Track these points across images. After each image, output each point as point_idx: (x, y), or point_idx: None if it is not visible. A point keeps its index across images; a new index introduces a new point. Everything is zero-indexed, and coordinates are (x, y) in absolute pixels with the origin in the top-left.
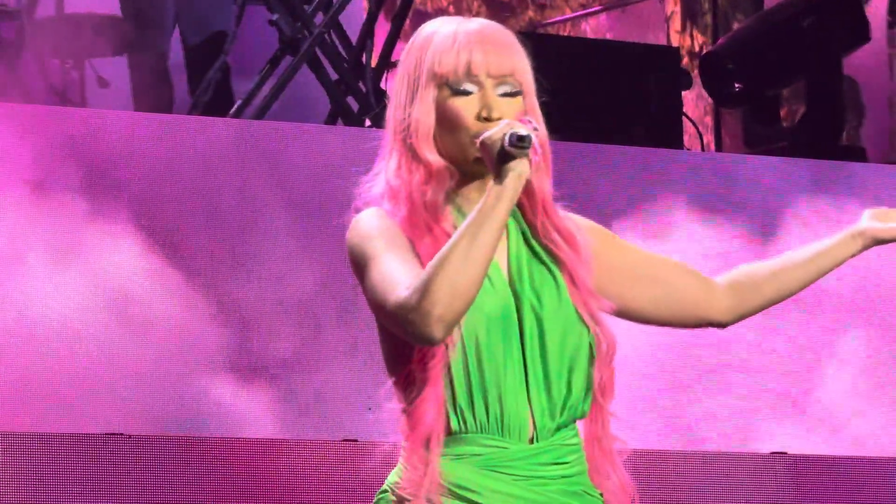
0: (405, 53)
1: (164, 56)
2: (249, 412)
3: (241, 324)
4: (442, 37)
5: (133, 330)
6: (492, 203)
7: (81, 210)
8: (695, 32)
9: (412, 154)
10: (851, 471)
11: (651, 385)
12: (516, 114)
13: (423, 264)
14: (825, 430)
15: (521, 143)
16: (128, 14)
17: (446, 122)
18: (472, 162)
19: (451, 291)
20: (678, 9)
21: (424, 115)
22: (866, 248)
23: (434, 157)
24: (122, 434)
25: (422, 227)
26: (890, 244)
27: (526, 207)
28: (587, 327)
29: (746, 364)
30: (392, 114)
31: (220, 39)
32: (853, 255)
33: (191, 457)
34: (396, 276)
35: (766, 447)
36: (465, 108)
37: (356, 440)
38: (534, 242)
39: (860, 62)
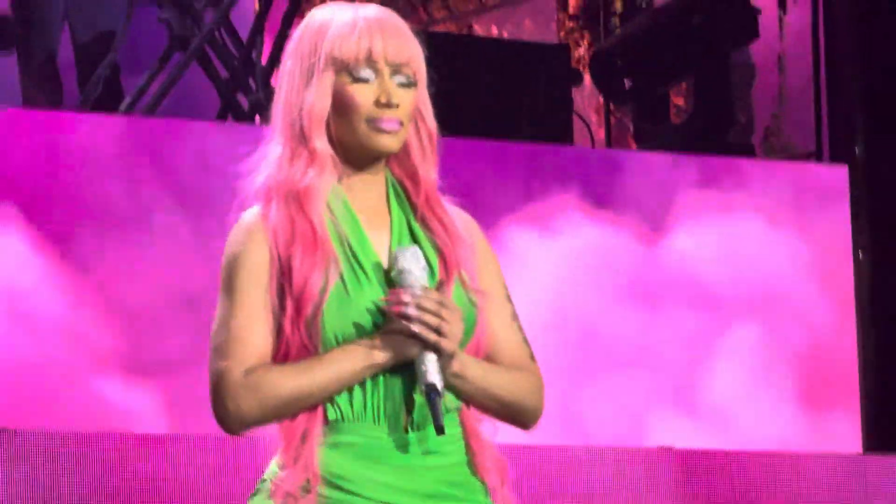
0: (297, 39)
1: (53, 54)
2: (138, 408)
3: (129, 321)
4: (341, 23)
5: (21, 325)
6: (360, 369)
7: None
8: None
9: (300, 139)
10: (739, 464)
11: None
12: (410, 108)
13: (286, 267)
14: (713, 425)
15: (432, 395)
16: (16, 11)
17: (343, 107)
18: (362, 148)
19: (269, 415)
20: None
21: (320, 100)
22: None
23: (322, 144)
24: (5, 429)
25: (290, 218)
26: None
27: (411, 194)
28: (462, 317)
29: (635, 360)
30: (283, 99)
31: (110, 37)
32: None
33: (78, 452)
34: (242, 339)
35: (654, 442)
36: (364, 93)
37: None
38: (416, 229)
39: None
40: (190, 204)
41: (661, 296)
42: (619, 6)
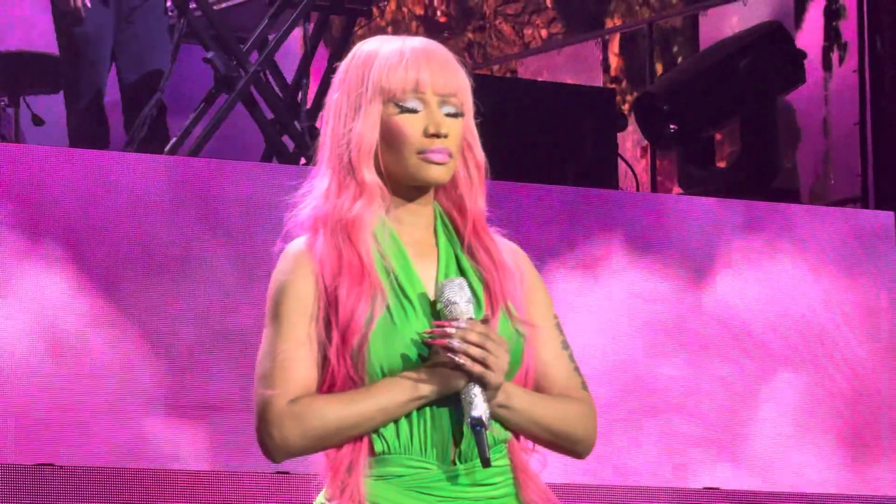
0: (344, 70)
1: (101, 93)
2: (184, 445)
3: (175, 359)
4: (388, 53)
5: (66, 364)
6: (405, 401)
7: (15, 246)
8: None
9: (348, 170)
10: None
11: None
12: (459, 139)
13: (332, 297)
14: (757, 470)
15: (478, 428)
16: (64, 51)
17: (391, 138)
18: (412, 179)
19: (313, 445)
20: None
21: (369, 131)
22: None
23: (370, 176)
24: (52, 465)
25: (337, 249)
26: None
27: (458, 224)
28: (509, 349)
29: (679, 404)
30: (330, 131)
31: (157, 77)
32: None
33: (121, 488)
34: (287, 369)
35: (698, 483)
36: (412, 124)
37: (288, 472)
38: (463, 260)
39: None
40: (234, 246)
41: (705, 340)
42: (660, 68)
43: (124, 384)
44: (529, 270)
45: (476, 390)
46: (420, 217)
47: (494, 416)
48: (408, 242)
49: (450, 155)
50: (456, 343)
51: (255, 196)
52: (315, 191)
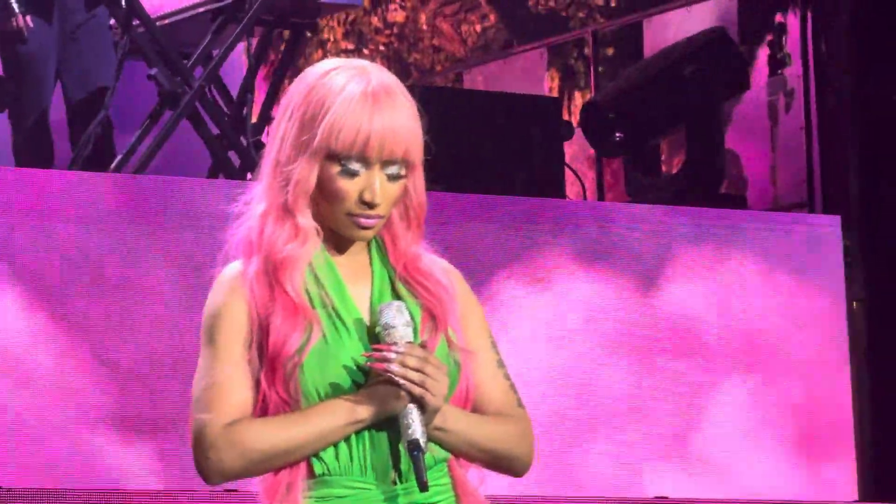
0: (299, 97)
1: (46, 112)
2: (131, 465)
3: (122, 378)
4: (344, 101)
5: (12, 383)
6: (343, 425)
7: None
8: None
9: (284, 209)
10: None
11: (533, 431)
12: (394, 200)
13: (265, 325)
14: (708, 476)
15: (415, 452)
16: (8, 71)
17: (327, 193)
18: (339, 231)
19: (250, 468)
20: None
21: (305, 178)
22: None
23: (304, 220)
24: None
25: (268, 281)
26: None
27: (389, 250)
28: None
29: (629, 411)
30: (273, 159)
31: (102, 94)
32: None
33: None
34: (223, 392)
35: (649, 493)
36: (349, 187)
37: (236, 490)
38: (398, 286)
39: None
40: (181, 262)
41: (655, 348)
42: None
43: (71, 402)
44: (463, 290)
45: (414, 414)
46: (356, 246)
47: (431, 439)
48: (342, 267)
49: (380, 217)
50: (395, 367)
51: (202, 212)
52: (252, 213)
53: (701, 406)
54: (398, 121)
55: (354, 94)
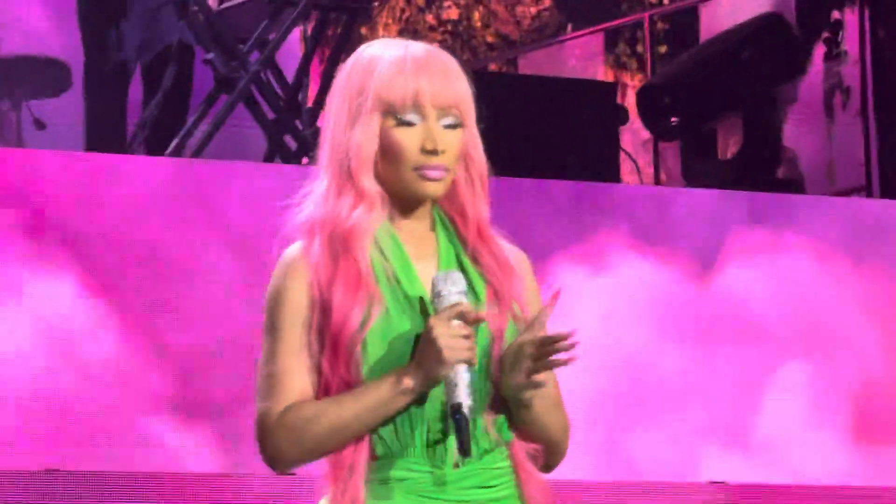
0: (345, 75)
1: (124, 98)
2: (187, 449)
3: (180, 362)
4: (388, 62)
5: (72, 369)
6: (390, 396)
7: (20, 250)
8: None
9: (347, 177)
10: (790, 499)
11: (588, 415)
12: (457, 151)
13: (327, 305)
14: (764, 460)
15: (457, 416)
16: (92, 54)
17: (389, 152)
18: (408, 192)
19: (309, 452)
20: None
21: (367, 142)
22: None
23: (370, 183)
24: (59, 470)
25: (333, 256)
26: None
27: (460, 227)
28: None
29: (686, 395)
30: (330, 135)
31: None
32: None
33: (126, 492)
34: (282, 380)
35: (705, 477)
36: (409, 138)
37: (294, 474)
38: (466, 263)
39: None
40: (237, 246)
41: (711, 332)
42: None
43: (128, 387)
44: (531, 279)
45: (461, 377)
46: (421, 220)
47: (514, 411)
48: (407, 241)
49: (446, 170)
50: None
51: (259, 196)
52: (313, 194)
53: (758, 391)
54: (446, 71)
55: (398, 54)
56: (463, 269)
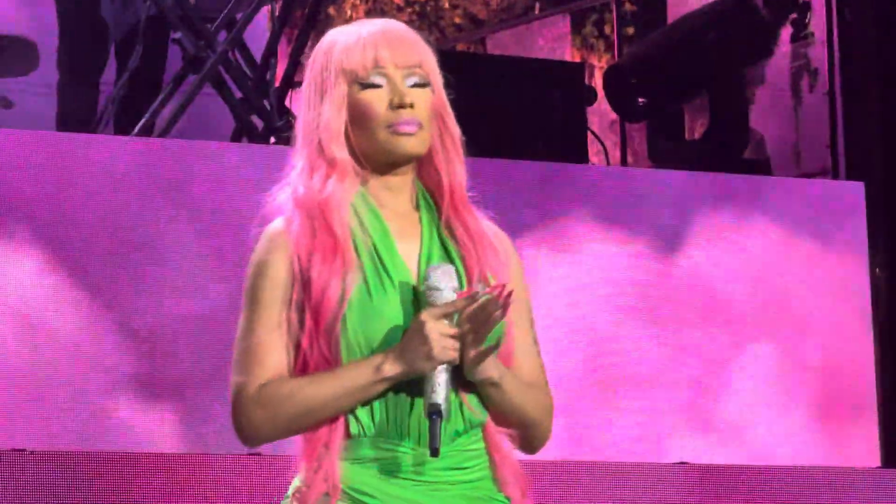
0: (311, 62)
1: (98, 78)
2: (152, 428)
3: (143, 340)
4: (346, 36)
5: (34, 346)
6: (369, 383)
7: None
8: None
9: (319, 152)
10: (753, 479)
11: (554, 396)
12: (427, 108)
13: (306, 278)
14: (729, 441)
15: (433, 416)
16: (66, 36)
17: (359, 117)
18: (385, 154)
19: (282, 428)
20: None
21: (335, 113)
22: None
23: (341, 154)
24: (23, 450)
25: (311, 230)
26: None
27: (438, 200)
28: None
29: (651, 376)
30: (302, 119)
31: (127, 57)
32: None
33: (92, 472)
34: (259, 355)
35: (670, 458)
36: (376, 100)
37: (259, 454)
38: (445, 240)
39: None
40: (204, 225)
41: (677, 313)
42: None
43: (92, 366)
44: (514, 258)
45: (442, 378)
46: (401, 194)
47: (484, 394)
48: (390, 218)
49: (419, 125)
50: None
51: (225, 176)
52: (290, 175)
53: (722, 372)
54: (403, 34)
55: (355, 29)
56: (444, 248)
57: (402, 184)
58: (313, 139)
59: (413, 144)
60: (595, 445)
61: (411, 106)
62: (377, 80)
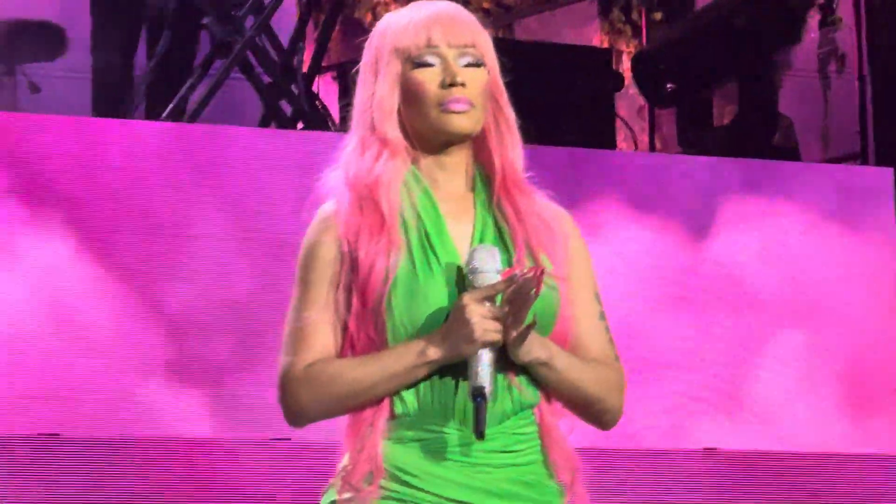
0: (366, 46)
1: (131, 64)
2: (183, 413)
3: (175, 326)
4: (399, 17)
5: (66, 332)
6: (413, 366)
7: (14, 214)
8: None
9: (371, 131)
10: (781, 466)
11: None
12: (480, 88)
13: (354, 258)
14: (757, 427)
15: (477, 399)
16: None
17: (411, 95)
18: (436, 133)
19: (326, 409)
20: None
21: (388, 91)
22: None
23: (393, 132)
24: (56, 434)
25: (360, 209)
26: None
27: (492, 173)
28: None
29: (680, 362)
30: (357, 100)
31: (155, 43)
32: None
33: (124, 457)
34: (306, 335)
35: (699, 444)
36: (428, 78)
37: (289, 439)
38: (500, 223)
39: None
40: (234, 209)
41: (705, 299)
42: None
43: (122, 350)
44: (575, 235)
45: (485, 360)
46: (455, 176)
47: (536, 375)
48: (443, 199)
49: (471, 104)
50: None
51: (253, 161)
52: (342, 156)
53: (750, 358)
54: (456, 14)
55: (408, 12)
56: (499, 231)
57: (457, 164)
58: (366, 118)
59: (463, 123)
60: (624, 431)
61: (463, 85)
62: (430, 59)
